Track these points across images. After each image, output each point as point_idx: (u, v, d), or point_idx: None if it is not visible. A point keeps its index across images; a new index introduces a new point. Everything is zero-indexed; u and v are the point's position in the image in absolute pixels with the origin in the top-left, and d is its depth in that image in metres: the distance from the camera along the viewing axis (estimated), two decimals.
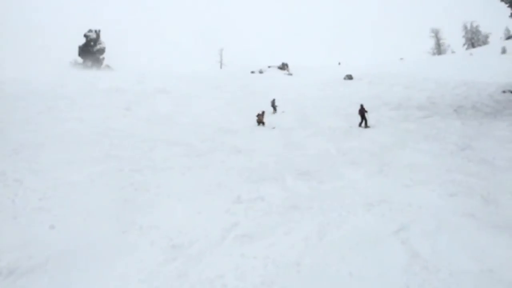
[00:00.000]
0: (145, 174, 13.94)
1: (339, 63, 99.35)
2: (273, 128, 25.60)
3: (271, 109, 34.54)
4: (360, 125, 27.17)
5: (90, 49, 64.35)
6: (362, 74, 60.03)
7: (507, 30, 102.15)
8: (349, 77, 59.34)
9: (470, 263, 7.27)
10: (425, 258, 7.49)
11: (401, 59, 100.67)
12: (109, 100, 32.14)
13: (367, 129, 25.81)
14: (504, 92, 37.70)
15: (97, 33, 65.54)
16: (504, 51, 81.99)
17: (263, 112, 27.86)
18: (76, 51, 66.09)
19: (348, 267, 7.23)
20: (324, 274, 7.05)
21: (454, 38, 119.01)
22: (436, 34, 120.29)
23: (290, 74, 76.50)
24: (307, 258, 7.62)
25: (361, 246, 8.14)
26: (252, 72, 76.02)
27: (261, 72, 77.22)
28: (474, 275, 6.86)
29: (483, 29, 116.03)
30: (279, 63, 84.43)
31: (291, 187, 12.98)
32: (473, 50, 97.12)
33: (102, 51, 65.52)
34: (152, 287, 6.55)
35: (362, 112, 27.45)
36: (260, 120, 26.96)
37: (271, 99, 36.50)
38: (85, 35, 64.83)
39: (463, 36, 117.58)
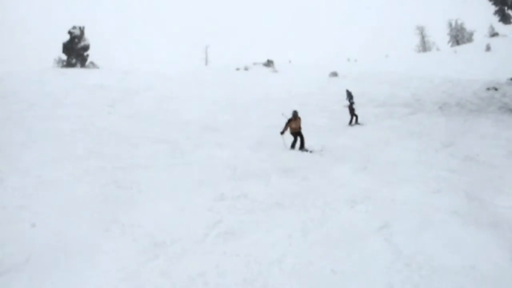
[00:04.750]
0: (128, 172, 13.85)
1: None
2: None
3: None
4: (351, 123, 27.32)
5: (74, 46, 63.74)
6: (347, 72, 60.21)
7: (492, 27, 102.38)
8: (334, 74, 59.47)
9: (452, 260, 7.27)
10: (408, 255, 7.47)
11: (386, 56, 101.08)
12: (93, 98, 32.00)
13: (353, 126, 26.01)
14: (488, 89, 37.95)
15: (81, 30, 64.95)
16: (488, 48, 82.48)
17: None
18: (60, 48, 65.54)
19: (331, 264, 7.20)
20: (306, 271, 7.03)
21: (439, 36, 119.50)
22: (421, 32, 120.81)
23: (276, 71, 76.47)
24: (290, 255, 7.59)
25: (344, 243, 8.12)
26: (237, 69, 75.94)
27: (246, 69, 77.17)
28: (456, 271, 6.86)
29: (468, 27, 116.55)
30: (265, 60, 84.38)
31: (275, 185, 12.96)
32: (457, 48, 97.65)
33: (86, 48, 64.94)
34: (133, 286, 6.49)
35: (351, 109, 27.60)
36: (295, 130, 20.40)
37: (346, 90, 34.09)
38: (69, 32, 64.19)
39: (448, 34, 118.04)
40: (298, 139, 20.36)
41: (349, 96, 30.90)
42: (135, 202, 10.85)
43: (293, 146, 20.16)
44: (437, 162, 15.44)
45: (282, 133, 20.21)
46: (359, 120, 27.54)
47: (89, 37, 66.42)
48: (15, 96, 28.98)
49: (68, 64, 63.10)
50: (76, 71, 48.22)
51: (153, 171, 14.18)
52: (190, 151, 17.63)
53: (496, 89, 37.67)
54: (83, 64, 63.94)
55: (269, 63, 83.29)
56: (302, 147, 19.99)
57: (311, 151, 19.02)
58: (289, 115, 20.31)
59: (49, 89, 33.34)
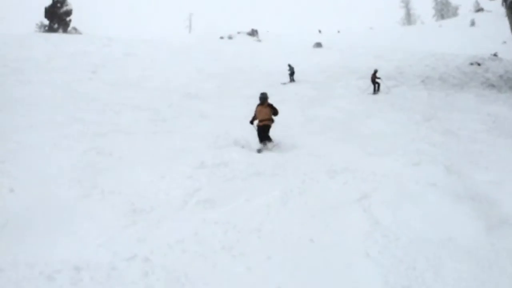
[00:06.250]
0: (109, 138, 13.78)
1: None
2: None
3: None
4: (374, 91, 27.43)
5: (57, 11, 63.08)
6: (332, 42, 60.31)
7: (477, 2, 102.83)
8: (318, 45, 59.57)
9: (430, 231, 7.36)
10: (386, 226, 7.54)
11: (371, 28, 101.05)
12: (75, 63, 31.69)
13: (371, 95, 26.21)
14: (471, 64, 38.19)
15: None
16: (472, 23, 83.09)
17: None
18: (42, 12, 64.80)
19: (309, 234, 7.24)
20: (285, 240, 7.07)
21: (424, 9, 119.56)
22: (406, 5, 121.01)
23: (260, 41, 76.63)
24: (269, 224, 7.62)
25: (323, 213, 8.17)
26: (221, 37, 76.15)
27: (230, 38, 77.29)
28: (434, 243, 6.94)
29: (453, 1, 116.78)
30: (249, 30, 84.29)
31: (255, 154, 13.00)
32: (442, 22, 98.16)
33: (69, 13, 64.32)
34: (111, 251, 6.48)
35: (373, 78, 27.70)
36: None
37: (288, 64, 35.16)
38: None
39: (433, 8, 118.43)
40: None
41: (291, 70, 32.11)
42: (115, 169, 10.80)
43: (261, 141, 14.75)
44: (418, 135, 15.56)
45: (251, 122, 15.53)
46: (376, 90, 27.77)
47: (72, 2, 65.71)
48: None
49: (50, 29, 62.55)
50: (58, 36, 47.59)
51: (134, 138, 14.11)
52: (171, 119, 17.58)
53: (479, 64, 37.90)
54: (65, 30, 63.42)
55: (253, 33, 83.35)
56: (262, 140, 14.68)
57: (260, 150, 14.14)
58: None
59: (31, 54, 32.90)
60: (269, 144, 14.52)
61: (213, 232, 7.22)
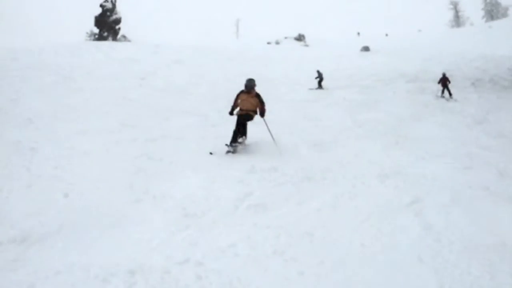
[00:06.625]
0: (159, 144, 13.99)
1: (358, 33, 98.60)
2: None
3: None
4: (442, 95, 27.08)
5: (106, 19, 64.02)
6: (379, 46, 59.93)
7: None
8: (366, 49, 59.27)
9: (483, 236, 7.23)
10: (439, 231, 7.44)
11: (419, 31, 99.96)
12: (124, 71, 32.25)
13: (446, 100, 25.82)
14: None
15: (113, 3, 65.16)
16: None
17: None
18: (92, 21, 65.87)
19: (360, 238, 7.20)
20: (336, 244, 7.03)
21: (473, 11, 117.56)
22: (455, 6, 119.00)
23: (307, 45, 76.50)
24: (320, 228, 7.59)
25: (374, 218, 8.11)
26: (269, 43, 76.22)
27: (277, 43, 77.38)
28: (487, 248, 6.81)
29: (503, 1, 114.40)
30: (296, 34, 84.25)
31: (305, 158, 12.99)
32: (492, 23, 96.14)
33: (118, 21, 65.20)
34: (164, 255, 6.55)
35: (445, 82, 27.36)
36: None
37: (317, 71, 34.94)
38: (101, 5, 64.44)
39: (482, 9, 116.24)
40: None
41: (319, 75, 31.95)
42: (166, 174, 10.93)
43: (233, 140, 13.45)
44: (469, 138, 15.37)
45: (231, 113, 14.33)
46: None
47: (121, 10, 66.65)
48: (48, 68, 29.26)
49: (100, 38, 63.47)
50: (108, 44, 48.43)
51: (184, 143, 14.28)
52: (220, 124, 17.65)
53: None
54: (114, 38, 64.27)
55: (300, 37, 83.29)
56: (239, 135, 13.51)
57: (233, 150, 13.35)
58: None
59: (82, 62, 33.63)
60: (241, 140, 13.43)
61: (264, 236, 7.22)
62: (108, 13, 64.73)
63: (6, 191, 9.12)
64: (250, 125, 13.98)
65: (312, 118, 19.75)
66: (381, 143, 14.87)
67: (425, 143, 14.79)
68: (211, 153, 13.08)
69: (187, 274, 6.02)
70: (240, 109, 13.90)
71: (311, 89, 31.69)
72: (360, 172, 11.12)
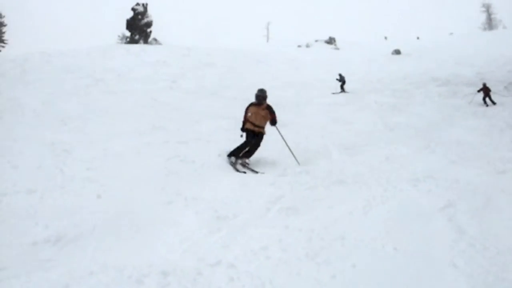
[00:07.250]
0: (190, 146, 14.07)
1: (386, 38, 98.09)
2: None
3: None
4: (486, 104, 26.61)
5: (138, 23, 64.69)
6: (411, 49, 59.55)
7: None
8: (397, 52, 58.96)
9: None
10: (472, 236, 7.33)
11: (451, 34, 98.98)
12: (155, 73, 32.57)
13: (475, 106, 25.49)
14: None
15: (145, 6, 65.86)
16: None
17: None
18: (124, 24, 66.56)
19: (393, 242, 7.13)
20: (368, 248, 6.98)
21: (506, 14, 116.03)
22: (487, 9, 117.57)
23: (337, 49, 76.32)
24: (352, 232, 7.54)
25: (406, 222, 8.04)
26: (299, 46, 76.19)
27: (308, 46, 77.24)
28: None
29: None
30: (326, 37, 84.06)
31: (336, 161, 12.97)
32: None
33: (149, 24, 65.84)
34: (196, 257, 6.57)
35: (486, 91, 26.88)
36: None
37: (339, 74, 35.06)
38: (133, 9, 65.20)
39: None
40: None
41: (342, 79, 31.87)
42: (197, 176, 11.01)
43: (238, 149, 12.74)
44: (502, 143, 15.18)
45: (242, 129, 13.30)
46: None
47: (152, 14, 67.25)
48: (81, 71, 29.67)
49: (132, 41, 64.18)
50: (139, 47, 48.81)
51: (215, 146, 14.30)
52: None
53: None
54: (146, 41, 64.90)
55: (331, 40, 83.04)
56: (244, 155, 12.80)
57: (246, 171, 12.45)
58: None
59: (114, 65, 34.01)
60: (241, 161, 12.61)
61: (296, 239, 7.21)
62: (140, 16, 65.41)
63: (40, 192, 9.23)
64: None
65: (343, 121, 19.73)
66: (413, 146, 14.78)
67: (457, 147, 14.67)
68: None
69: (219, 276, 6.03)
70: (252, 124, 12.88)
71: (334, 93, 31.57)
72: (392, 176, 11.04)
